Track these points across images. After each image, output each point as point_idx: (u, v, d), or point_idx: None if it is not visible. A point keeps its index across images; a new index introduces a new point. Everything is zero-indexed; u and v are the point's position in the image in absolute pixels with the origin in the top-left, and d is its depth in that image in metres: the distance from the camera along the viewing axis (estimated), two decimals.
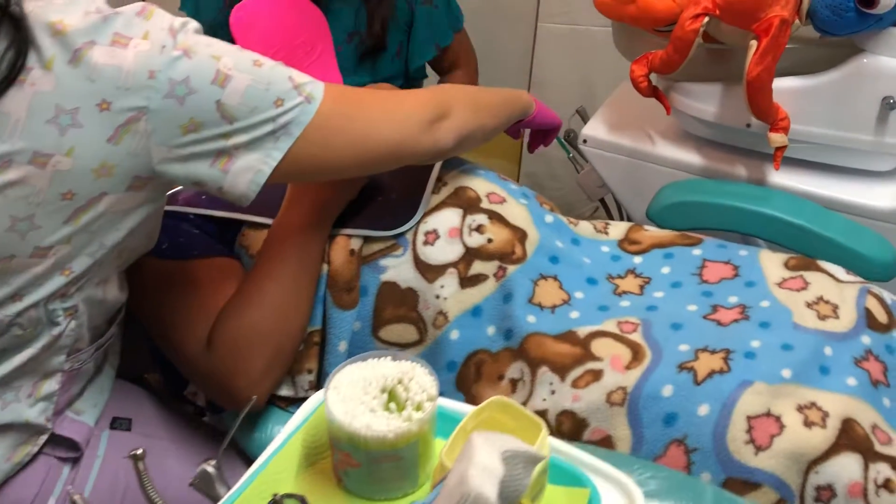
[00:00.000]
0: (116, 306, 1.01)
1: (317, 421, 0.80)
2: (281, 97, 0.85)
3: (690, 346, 1.00)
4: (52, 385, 0.94)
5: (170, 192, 1.17)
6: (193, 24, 0.85)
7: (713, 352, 0.98)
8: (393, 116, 0.97)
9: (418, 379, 0.76)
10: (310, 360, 1.09)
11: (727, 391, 0.92)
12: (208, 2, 1.48)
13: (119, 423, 1.07)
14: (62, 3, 0.79)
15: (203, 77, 0.81)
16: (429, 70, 1.75)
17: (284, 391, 1.09)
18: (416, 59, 1.64)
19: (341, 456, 0.74)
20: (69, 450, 0.99)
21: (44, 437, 0.96)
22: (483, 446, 0.57)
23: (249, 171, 0.86)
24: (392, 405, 0.74)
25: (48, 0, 0.78)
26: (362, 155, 0.94)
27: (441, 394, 1.04)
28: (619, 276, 1.15)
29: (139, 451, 0.77)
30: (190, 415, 1.20)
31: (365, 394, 0.74)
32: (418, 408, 0.73)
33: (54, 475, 0.98)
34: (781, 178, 1.34)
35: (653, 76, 1.36)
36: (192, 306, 1.05)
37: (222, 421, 1.15)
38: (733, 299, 1.07)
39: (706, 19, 1.23)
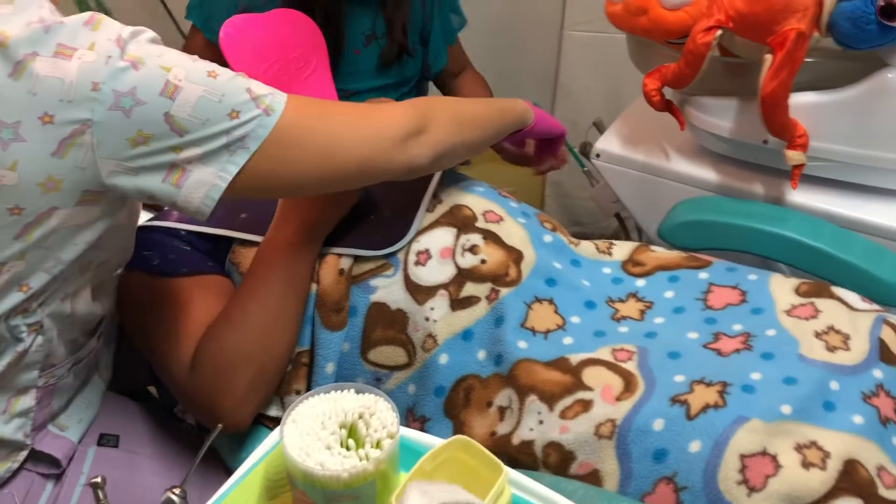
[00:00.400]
0: (92, 320, 1.00)
1: (279, 453, 0.78)
2: (236, 109, 0.83)
3: (686, 378, 0.95)
4: (27, 401, 0.93)
5: (163, 209, 1.17)
6: (148, 34, 0.83)
7: (709, 384, 0.93)
8: (360, 132, 0.93)
9: (380, 414, 0.73)
10: (298, 381, 1.07)
11: (721, 427, 0.88)
12: (219, 12, 1.47)
13: (106, 440, 1.06)
14: (5, 13, 0.77)
15: (151, 88, 0.79)
16: None
17: (273, 412, 1.08)
18: (436, 63, 1.62)
19: (298, 493, 0.71)
20: (51, 466, 0.99)
21: (23, 454, 0.96)
22: (417, 499, 0.54)
23: (203, 185, 0.83)
24: (351, 441, 0.71)
25: None
26: (326, 171, 0.91)
27: (427, 419, 1.03)
28: (620, 300, 1.11)
29: (98, 479, 0.76)
30: (184, 432, 1.19)
31: (323, 428, 0.72)
32: (377, 445, 0.71)
33: (36, 492, 0.98)
34: (799, 196, 1.27)
35: (667, 90, 1.31)
36: (178, 325, 1.04)
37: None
38: (737, 327, 1.02)
39: (719, 32, 1.18)
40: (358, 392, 0.75)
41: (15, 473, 0.96)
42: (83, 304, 0.95)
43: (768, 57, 1.14)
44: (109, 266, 0.97)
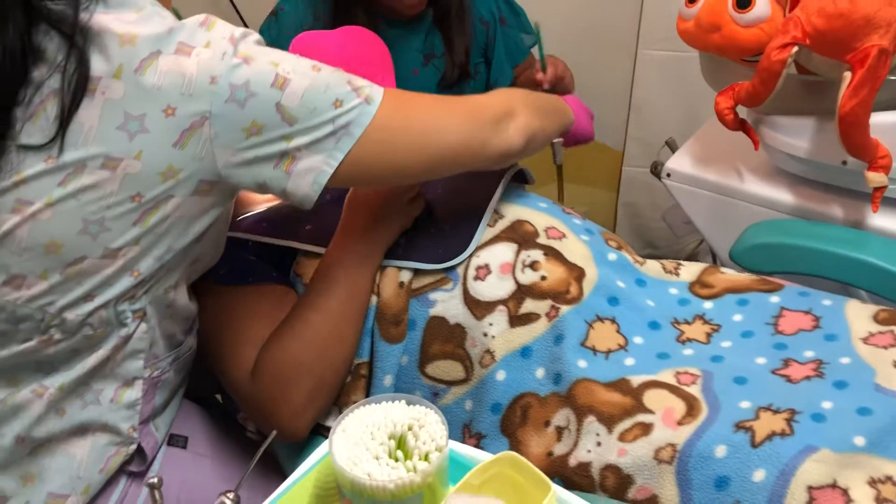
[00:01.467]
0: (188, 316, 1.04)
1: (330, 461, 0.77)
2: (340, 98, 0.87)
3: (752, 404, 0.91)
4: (134, 393, 0.97)
5: (232, 221, 1.19)
6: (254, 36, 0.88)
7: (776, 411, 0.89)
8: (456, 116, 0.97)
9: (429, 427, 0.72)
10: (357, 392, 1.08)
11: (787, 456, 0.84)
12: (285, 33, 1.51)
13: (176, 440, 1.09)
14: (133, 19, 0.82)
15: (262, 81, 0.83)
16: None
17: (331, 421, 1.08)
18: (499, 83, 1.63)
19: (346, 502, 0.71)
20: (140, 464, 1.02)
21: (132, 448, 1.00)
22: None
23: (311, 171, 0.87)
24: (400, 453, 0.71)
25: (118, 14, 0.82)
26: (427, 155, 0.94)
27: (483, 436, 1.02)
28: (686, 322, 1.08)
29: (154, 480, 0.77)
30: (245, 438, 1.21)
31: (372, 439, 0.72)
32: (425, 458, 0.70)
33: (110, 487, 1.01)
34: (880, 220, 1.22)
35: (742, 108, 1.28)
36: (241, 333, 1.06)
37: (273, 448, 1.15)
38: (809, 353, 0.98)
39: (795, 49, 1.14)
40: (409, 403, 0.75)
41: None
42: (182, 297, 0.99)
43: (847, 74, 1.10)
44: (204, 262, 1.02)
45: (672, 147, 1.58)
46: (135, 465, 1.02)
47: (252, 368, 1.03)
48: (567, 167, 1.53)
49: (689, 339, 1.05)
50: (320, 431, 1.10)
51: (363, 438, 0.71)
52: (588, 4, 2.00)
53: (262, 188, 0.89)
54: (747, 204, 1.34)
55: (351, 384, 1.08)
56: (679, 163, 1.41)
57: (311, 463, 0.78)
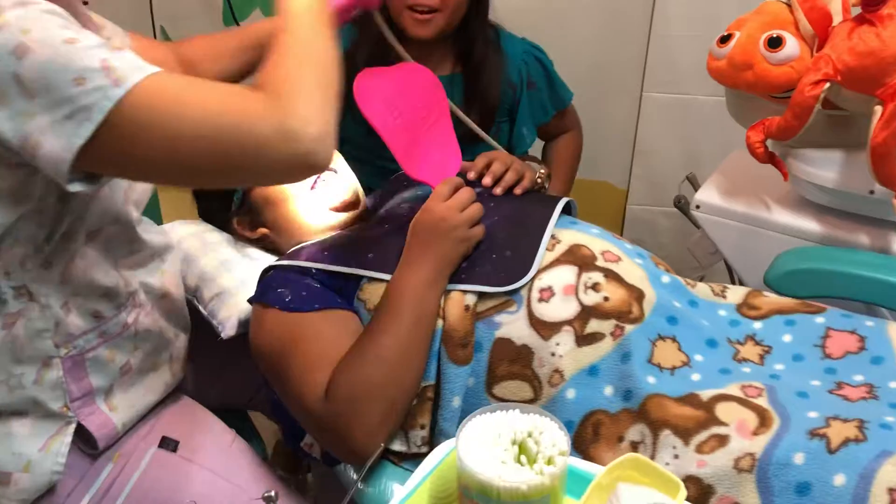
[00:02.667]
0: (108, 291, 1.04)
1: (444, 471, 0.80)
2: (82, 76, 0.77)
3: (820, 414, 0.96)
4: (55, 372, 1.00)
5: (293, 249, 1.22)
6: (41, 6, 0.81)
7: (845, 420, 0.94)
8: (221, 120, 0.82)
9: (549, 433, 0.75)
10: (423, 416, 1.09)
11: (865, 460, 0.88)
12: None
13: (167, 443, 1.11)
14: None
15: (4, 47, 0.77)
16: None
17: (397, 446, 1.10)
18: (520, 144, 1.68)
19: None
20: (90, 446, 1.04)
21: (71, 428, 1.02)
22: (631, 498, 0.56)
23: (54, 161, 0.80)
24: (523, 458, 0.73)
25: None
26: (177, 158, 0.82)
27: None
28: (739, 342, 1.13)
29: (272, 493, 0.79)
30: (256, 459, 1.22)
31: (495, 445, 0.74)
32: (549, 461, 0.73)
33: (92, 475, 1.05)
34: None
35: (769, 142, 1.35)
36: (312, 358, 1.07)
37: (338, 473, 1.15)
38: (859, 378, 1.03)
39: (827, 85, 1.22)
40: (524, 412, 0.78)
41: (72, 451, 1.02)
42: (89, 274, 1.00)
43: (878, 108, 1.18)
44: (109, 236, 1.03)
45: (693, 183, 1.65)
46: (88, 446, 1.05)
47: (325, 392, 1.05)
48: None
49: (745, 359, 1.10)
50: (387, 457, 1.11)
51: (487, 444, 0.74)
52: (594, 47, 2.07)
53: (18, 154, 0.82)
54: (775, 233, 1.40)
55: (418, 406, 1.09)
56: (707, 195, 1.48)
57: (425, 471, 0.80)
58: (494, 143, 1.48)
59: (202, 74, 1.19)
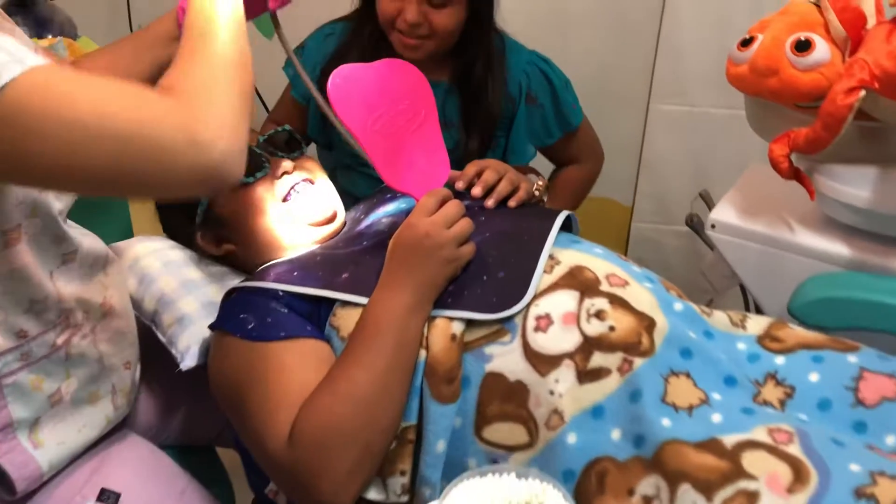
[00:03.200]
0: (31, 305, 0.90)
1: None
2: None
3: (862, 468, 0.82)
4: None
5: (260, 269, 1.09)
6: None
7: (893, 478, 0.80)
8: (129, 110, 0.73)
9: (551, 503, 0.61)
10: (403, 461, 0.97)
11: None
12: (309, 68, 1.43)
13: (106, 496, 0.98)
14: None
15: None
16: None
17: (373, 495, 0.97)
18: (514, 160, 1.55)
19: None
20: (7, 490, 0.91)
21: None
22: None
23: None
24: None
25: None
26: (72, 160, 0.71)
27: None
28: (758, 382, 0.99)
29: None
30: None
31: None
32: None
33: None
34: None
35: (793, 156, 1.22)
36: (275, 396, 0.96)
37: None
38: (891, 440, 0.90)
39: (862, 93, 1.09)
40: (520, 477, 0.64)
41: None
42: (3, 283, 0.86)
43: None
44: (30, 236, 0.88)
45: (707, 200, 1.52)
46: (5, 490, 0.92)
47: (289, 434, 0.92)
48: None
49: (766, 402, 0.96)
50: None
51: None
52: (598, 54, 1.97)
53: None
54: (799, 257, 1.28)
55: (397, 450, 0.96)
56: (724, 213, 1.35)
57: None
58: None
59: None
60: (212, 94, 0.77)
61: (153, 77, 1.12)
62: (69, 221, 0.98)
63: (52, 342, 0.94)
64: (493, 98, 1.46)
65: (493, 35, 1.46)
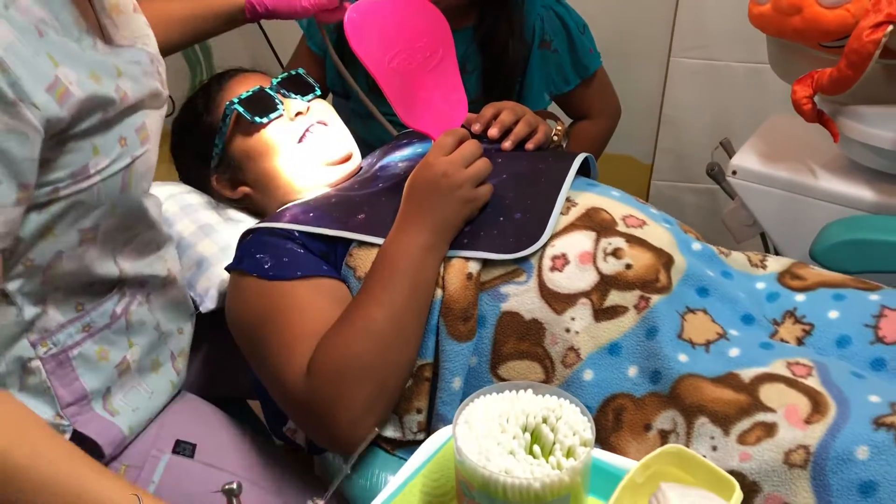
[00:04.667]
0: (90, 281, 0.91)
1: (441, 463, 0.67)
2: None
3: (882, 399, 0.81)
4: (37, 378, 0.87)
5: (278, 210, 1.08)
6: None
7: None
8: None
9: (568, 418, 0.61)
10: (419, 398, 0.96)
11: None
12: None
13: (182, 448, 0.99)
14: None
15: None
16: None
17: (390, 432, 0.97)
18: (528, 106, 1.52)
19: None
20: (95, 455, 0.90)
21: (66, 437, 0.89)
22: (679, 501, 0.42)
23: None
24: (536, 448, 0.59)
25: None
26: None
27: None
28: (776, 321, 0.98)
29: (234, 485, 0.65)
30: (275, 453, 1.10)
31: (503, 432, 0.60)
32: (569, 453, 0.58)
33: None
34: None
35: (817, 99, 1.19)
36: (293, 331, 0.95)
37: (324, 462, 1.02)
38: None
39: (890, 28, 1.06)
40: (536, 392, 0.63)
41: None
42: (70, 264, 0.87)
43: None
44: (101, 234, 0.89)
45: (727, 148, 1.50)
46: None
47: (307, 368, 0.91)
48: None
49: (783, 340, 0.95)
50: (379, 444, 0.98)
51: (492, 431, 0.60)
52: (617, 8, 1.93)
53: None
54: (822, 202, 1.26)
55: (413, 388, 0.96)
56: (745, 160, 1.33)
57: (415, 464, 0.66)
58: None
59: None
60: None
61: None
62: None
63: (112, 311, 0.94)
64: (514, 55, 1.44)
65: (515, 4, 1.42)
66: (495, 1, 1.39)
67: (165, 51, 1.08)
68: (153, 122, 0.92)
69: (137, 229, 0.95)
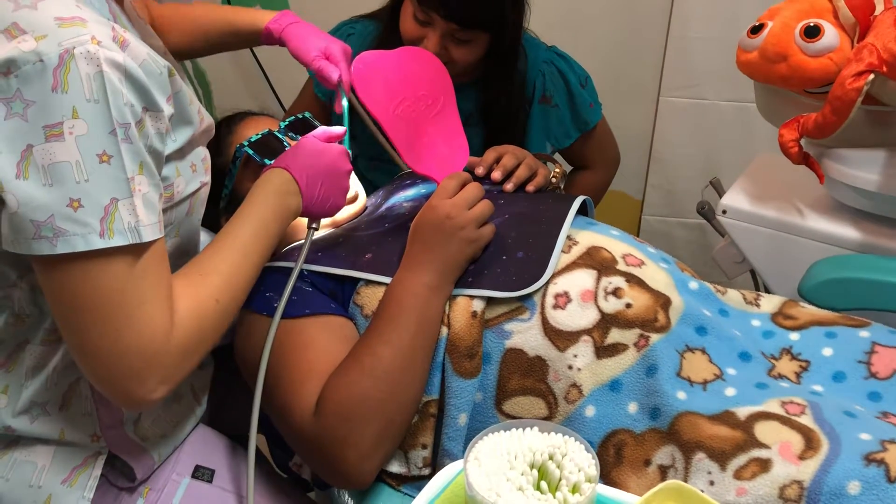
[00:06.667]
0: None
1: (450, 498, 0.69)
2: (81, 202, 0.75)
3: (873, 436, 0.85)
4: (83, 395, 0.90)
5: (286, 248, 1.11)
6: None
7: None
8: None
9: (573, 455, 0.64)
10: (425, 434, 0.99)
11: None
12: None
13: (202, 473, 1.02)
14: None
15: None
16: None
17: (396, 468, 0.99)
18: None
19: None
20: (128, 478, 0.94)
21: (101, 459, 0.92)
22: None
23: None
24: (543, 484, 0.62)
25: None
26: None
27: None
28: (773, 357, 1.01)
29: None
30: (283, 482, 1.12)
31: (511, 468, 0.63)
32: (574, 489, 0.62)
33: None
34: None
35: (803, 142, 1.24)
36: (301, 368, 0.97)
37: (330, 497, 1.04)
38: None
39: (871, 77, 1.12)
40: (542, 430, 0.67)
41: (100, 486, 0.92)
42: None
43: None
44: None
45: (717, 187, 1.54)
46: (121, 480, 0.95)
47: (315, 406, 0.94)
48: None
49: (781, 375, 0.99)
50: (382, 478, 1.00)
51: (501, 468, 0.63)
52: (608, 49, 1.99)
53: None
54: (809, 241, 1.30)
55: (419, 424, 0.99)
56: (735, 199, 1.37)
57: (426, 499, 0.68)
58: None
59: (166, 43, 1.12)
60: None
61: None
62: None
63: None
64: (515, 111, 1.47)
65: (517, 64, 1.46)
66: (498, 58, 1.42)
67: (181, 55, 1.13)
68: (208, 154, 0.98)
69: (188, 257, 0.98)
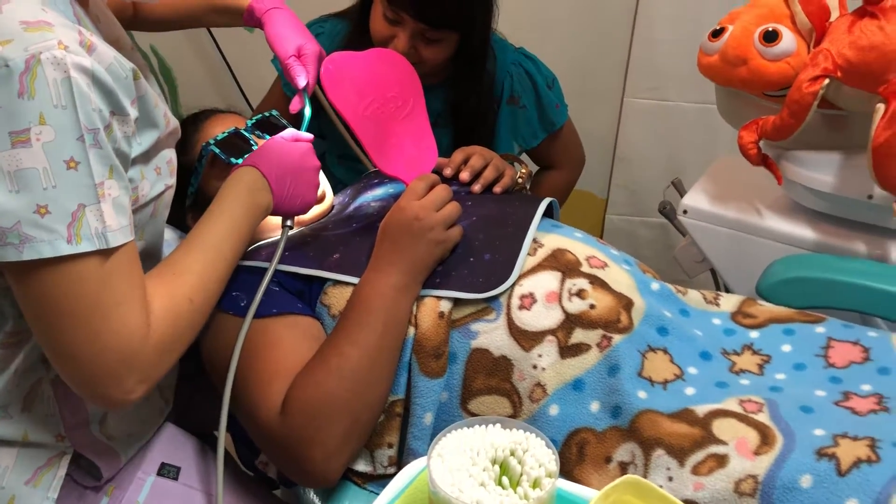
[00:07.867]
0: None
1: (414, 494, 0.70)
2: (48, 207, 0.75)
3: (827, 431, 0.88)
4: (45, 397, 0.90)
5: (252, 248, 1.12)
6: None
7: (855, 438, 0.86)
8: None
9: (534, 451, 0.66)
10: (390, 433, 1.00)
11: (878, 484, 0.80)
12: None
13: (167, 471, 1.02)
14: None
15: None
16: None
17: (361, 466, 1.00)
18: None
19: None
20: (94, 477, 0.94)
21: (67, 458, 0.92)
22: None
23: None
24: (504, 479, 0.64)
25: None
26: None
27: None
28: (735, 353, 1.04)
29: None
30: (251, 482, 1.13)
31: (473, 464, 0.65)
32: (535, 484, 0.63)
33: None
34: None
35: (761, 143, 1.27)
36: (268, 368, 0.98)
37: (296, 495, 1.05)
38: (866, 387, 0.95)
39: (826, 81, 1.15)
40: (505, 427, 0.68)
41: (65, 485, 0.92)
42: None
43: (880, 106, 1.11)
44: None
45: (678, 188, 1.57)
46: (87, 479, 0.95)
47: (281, 406, 0.95)
48: None
49: (742, 370, 1.02)
50: (350, 478, 1.01)
51: (463, 464, 0.64)
52: (573, 50, 2.01)
53: None
54: (767, 240, 1.33)
55: (385, 424, 1.00)
56: (695, 199, 1.40)
57: (389, 496, 0.70)
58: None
59: (150, 14, 1.13)
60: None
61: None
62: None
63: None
64: (483, 112, 1.48)
65: (486, 65, 1.47)
66: (467, 59, 1.44)
67: (163, 26, 1.15)
68: (174, 156, 0.98)
69: (154, 260, 0.98)
